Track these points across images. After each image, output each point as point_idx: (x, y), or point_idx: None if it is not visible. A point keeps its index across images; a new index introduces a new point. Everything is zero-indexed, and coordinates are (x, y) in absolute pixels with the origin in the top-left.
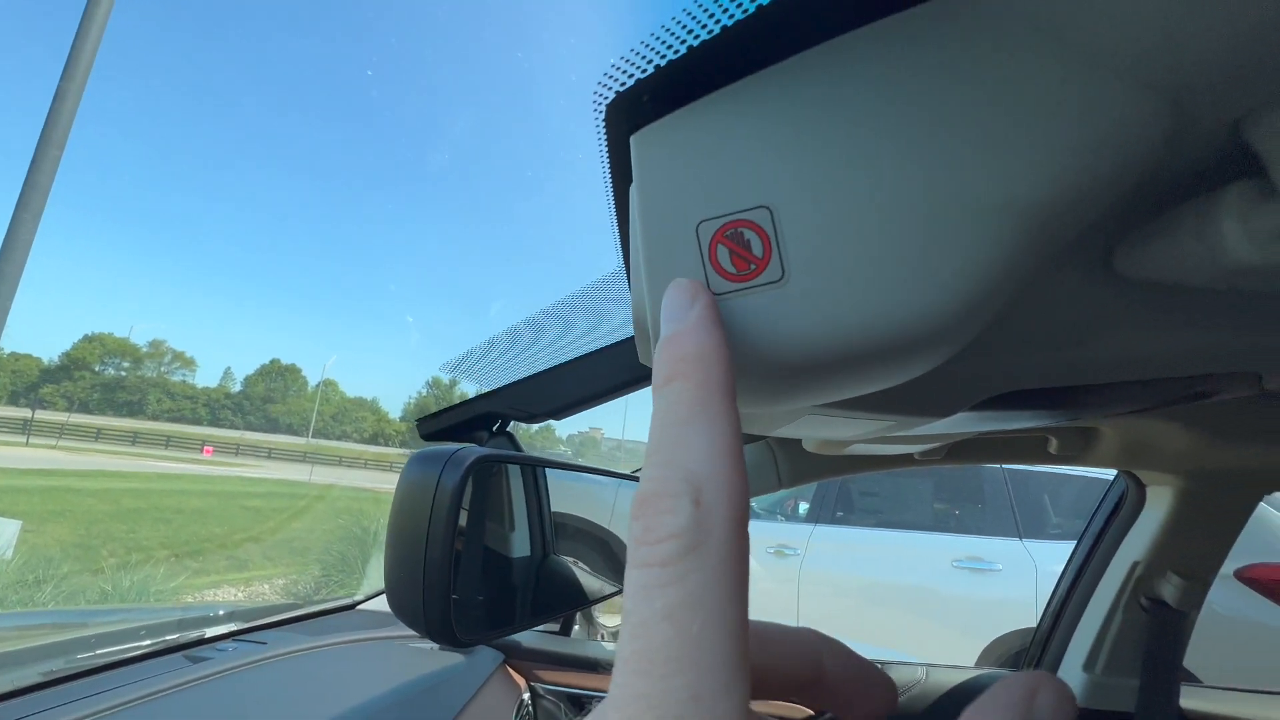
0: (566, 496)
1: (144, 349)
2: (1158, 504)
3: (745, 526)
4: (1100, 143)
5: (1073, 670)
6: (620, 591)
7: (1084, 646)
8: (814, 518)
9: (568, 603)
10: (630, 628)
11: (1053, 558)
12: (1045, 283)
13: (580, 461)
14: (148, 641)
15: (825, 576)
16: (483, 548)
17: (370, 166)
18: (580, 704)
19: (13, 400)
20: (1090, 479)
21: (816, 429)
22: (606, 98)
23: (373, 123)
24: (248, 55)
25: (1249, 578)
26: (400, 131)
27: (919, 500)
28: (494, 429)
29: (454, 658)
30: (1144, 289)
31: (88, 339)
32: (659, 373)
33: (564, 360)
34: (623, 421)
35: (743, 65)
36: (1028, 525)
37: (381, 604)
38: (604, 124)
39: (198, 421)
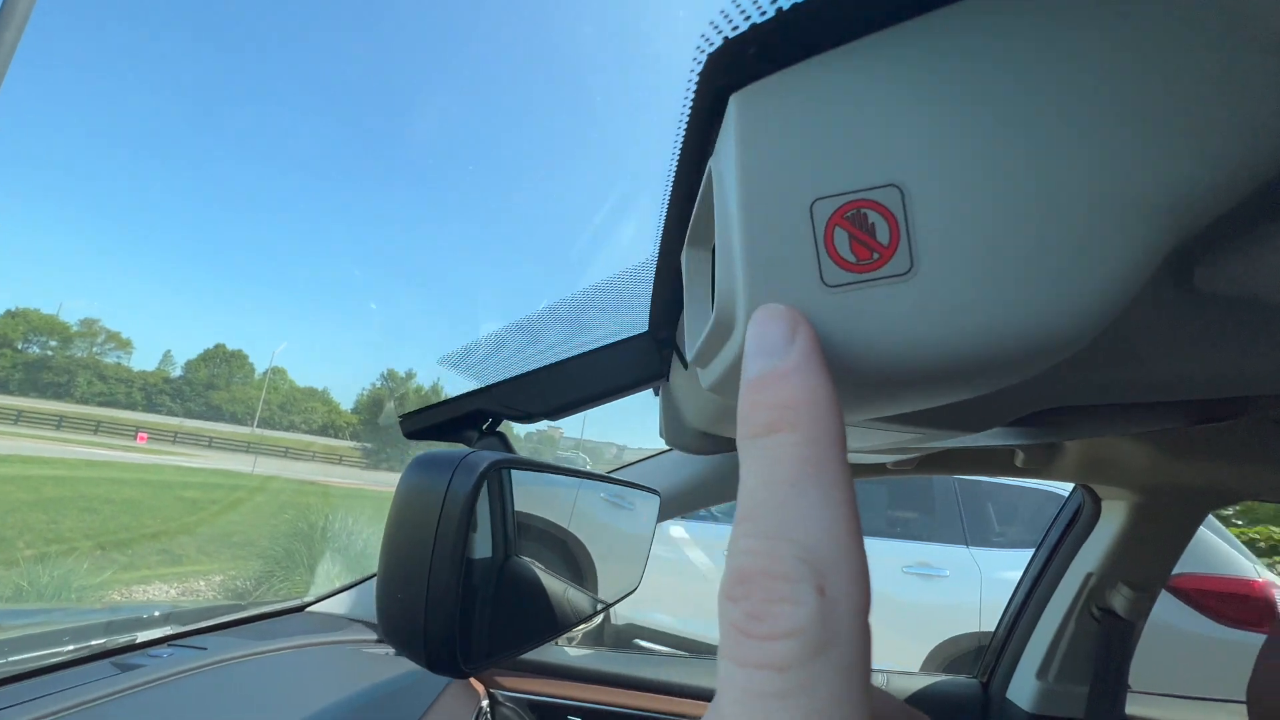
0: (526, 496)
1: (74, 327)
2: (1112, 518)
3: (867, 622)
4: (1256, 137)
5: (1026, 677)
6: (589, 618)
7: (1038, 654)
8: None
9: (559, 624)
10: None
11: (997, 565)
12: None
13: (596, 470)
14: (71, 646)
15: None
16: (487, 563)
17: (335, 146)
18: (541, 711)
19: None
20: (1029, 488)
21: None
22: (710, 45)
23: (337, 97)
24: (199, 13)
25: (1175, 587)
26: (369, 110)
27: (873, 507)
28: (484, 428)
29: (412, 664)
30: (1219, 305)
31: (10, 314)
32: (754, 419)
33: (562, 358)
34: (582, 421)
35: (880, 16)
36: (974, 533)
37: (334, 605)
38: (698, 78)
39: (132, 406)
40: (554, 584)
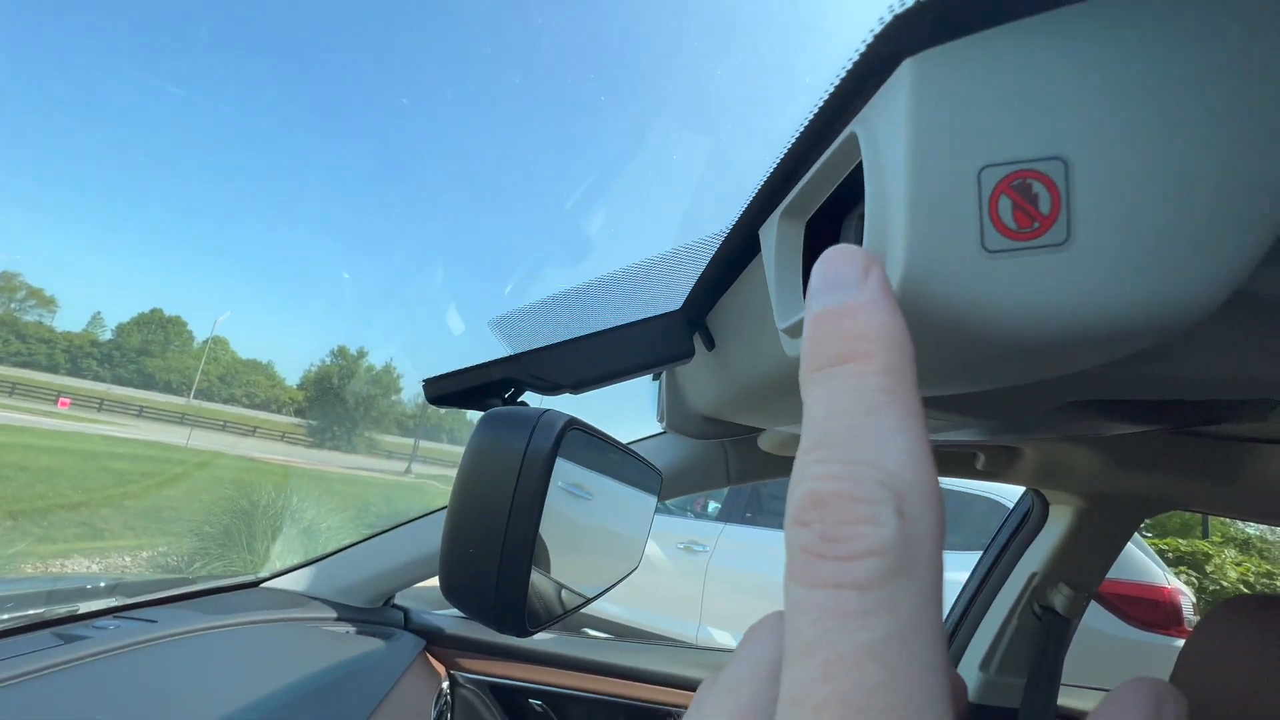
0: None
1: None
2: (1058, 521)
3: (942, 538)
4: None
5: (970, 668)
6: (592, 599)
7: (982, 647)
8: (724, 517)
9: (592, 591)
10: (821, 665)
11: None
12: None
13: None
14: (7, 615)
15: (732, 574)
16: (552, 524)
17: (295, 100)
18: (501, 694)
19: None
20: (977, 495)
21: None
22: (895, 8)
23: (300, 46)
24: None
25: (1097, 592)
26: (335, 58)
27: None
28: (507, 396)
29: (373, 643)
30: (1271, 309)
31: None
32: (824, 349)
33: (593, 331)
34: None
35: None
36: None
37: (290, 582)
38: (872, 38)
39: (54, 369)
40: (590, 549)
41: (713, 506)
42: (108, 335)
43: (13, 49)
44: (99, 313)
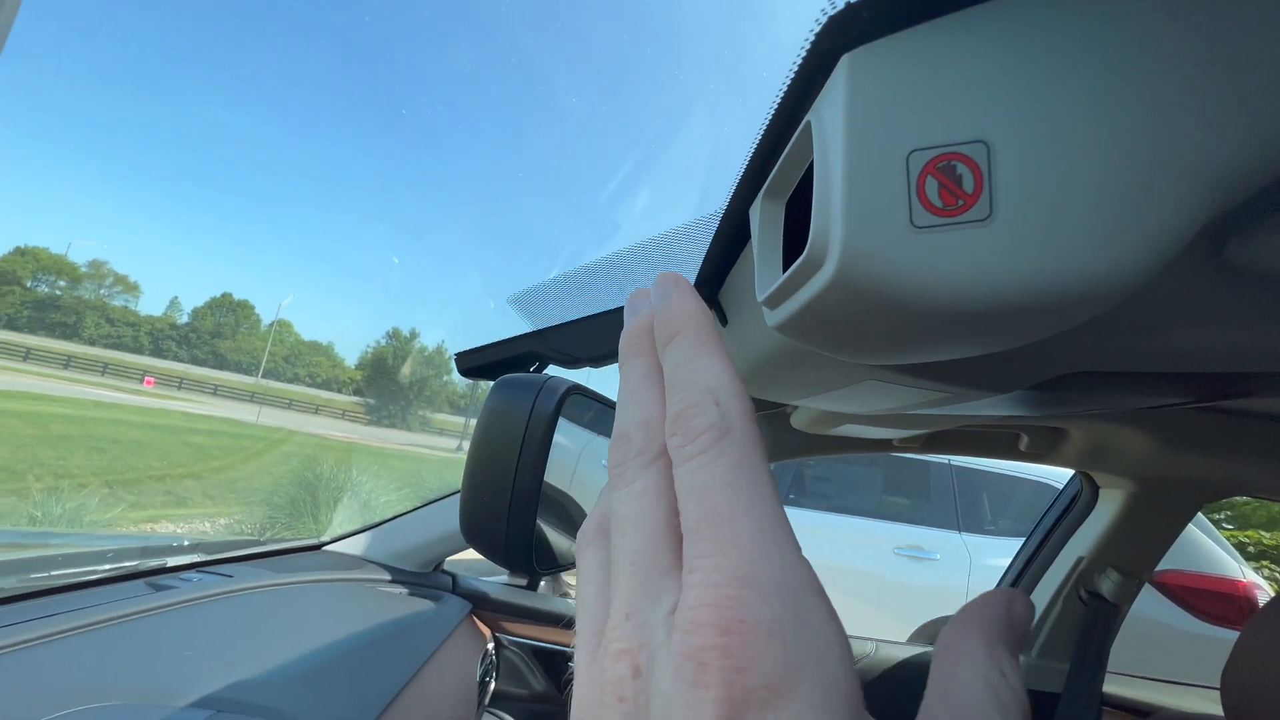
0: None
1: (83, 268)
2: (1108, 504)
3: (754, 419)
4: None
5: None
6: None
7: None
8: None
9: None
10: (694, 499)
11: (987, 551)
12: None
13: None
14: (108, 566)
15: None
16: (571, 482)
17: (347, 101)
18: (542, 657)
19: None
20: (1023, 479)
21: (861, 397)
22: (832, 7)
23: (351, 43)
24: None
25: (1160, 582)
26: (384, 54)
27: (869, 489)
28: (532, 370)
29: (424, 604)
30: (1248, 279)
31: (19, 251)
32: (664, 332)
33: (612, 308)
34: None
35: None
36: (967, 520)
37: (349, 546)
38: (813, 38)
39: (138, 350)
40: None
41: None
42: (184, 319)
43: (91, 55)
44: (176, 297)
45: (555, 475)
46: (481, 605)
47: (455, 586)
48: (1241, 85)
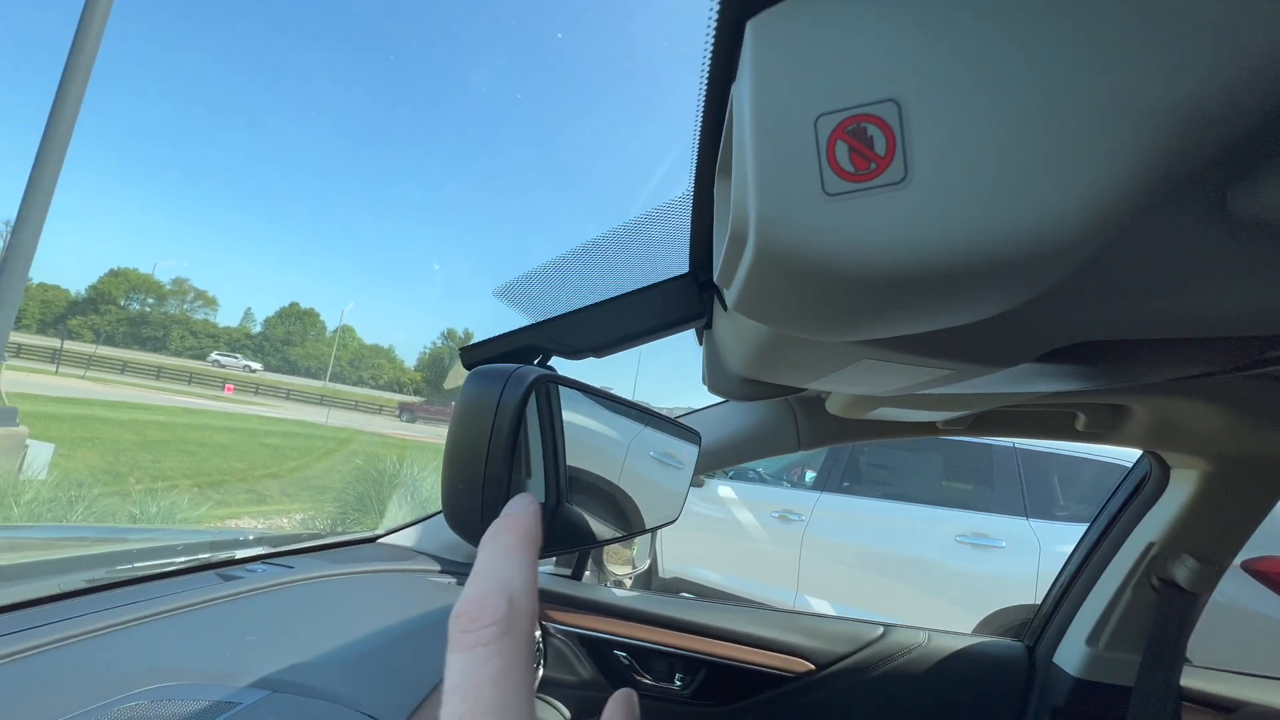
0: (577, 416)
1: (167, 286)
2: (1181, 486)
3: (535, 622)
4: (1261, 46)
5: (1075, 643)
6: (626, 536)
7: (1089, 620)
8: (820, 485)
9: (597, 535)
10: (462, 691)
11: (1058, 538)
12: (1154, 217)
13: (637, 401)
14: (182, 559)
15: (827, 544)
16: (538, 468)
17: (396, 119)
18: (589, 645)
19: (41, 330)
20: (1098, 461)
21: (864, 378)
22: None
23: (395, 65)
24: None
25: (1257, 570)
26: (427, 77)
27: (926, 475)
28: (535, 362)
29: None
30: (1257, 232)
31: (113, 273)
32: (495, 529)
33: (610, 296)
34: (634, 378)
35: None
36: (1035, 505)
37: (401, 539)
38: (717, 9)
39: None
40: (600, 498)
41: (809, 475)
42: (257, 328)
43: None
44: (250, 309)
45: (603, 466)
46: None
47: None
48: (1192, 19)
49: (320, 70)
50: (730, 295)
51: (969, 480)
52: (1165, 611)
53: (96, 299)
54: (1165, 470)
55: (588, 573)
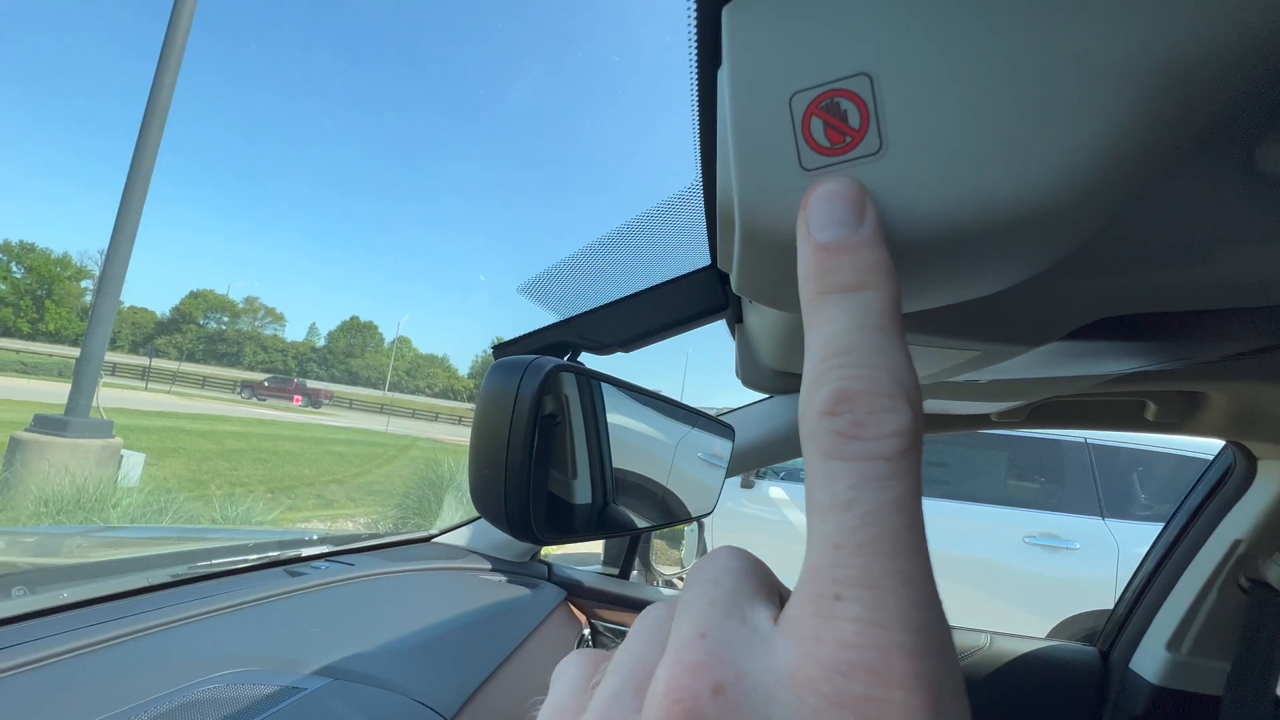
0: (608, 407)
1: (240, 305)
2: (1270, 478)
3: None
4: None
5: (1154, 648)
6: (658, 526)
7: (1169, 624)
8: None
9: (627, 524)
10: (861, 514)
11: (1138, 539)
12: (1173, 180)
13: (657, 391)
14: (254, 557)
15: None
16: (561, 455)
17: (442, 134)
18: None
19: (133, 349)
20: (1186, 457)
21: None
22: None
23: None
24: (337, 29)
25: None
26: (469, 91)
27: (990, 473)
28: (565, 358)
29: (520, 591)
30: None
31: (193, 295)
32: (838, 276)
33: (635, 290)
34: (682, 383)
35: None
36: (1112, 504)
37: (455, 538)
38: (695, 1)
39: (287, 373)
40: (632, 485)
41: None
42: (322, 342)
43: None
44: (314, 323)
45: (643, 463)
46: (575, 593)
47: (550, 575)
48: None
49: (368, 92)
50: (733, 279)
51: (1037, 478)
52: (1257, 615)
53: (179, 319)
54: (1251, 461)
55: (635, 572)
